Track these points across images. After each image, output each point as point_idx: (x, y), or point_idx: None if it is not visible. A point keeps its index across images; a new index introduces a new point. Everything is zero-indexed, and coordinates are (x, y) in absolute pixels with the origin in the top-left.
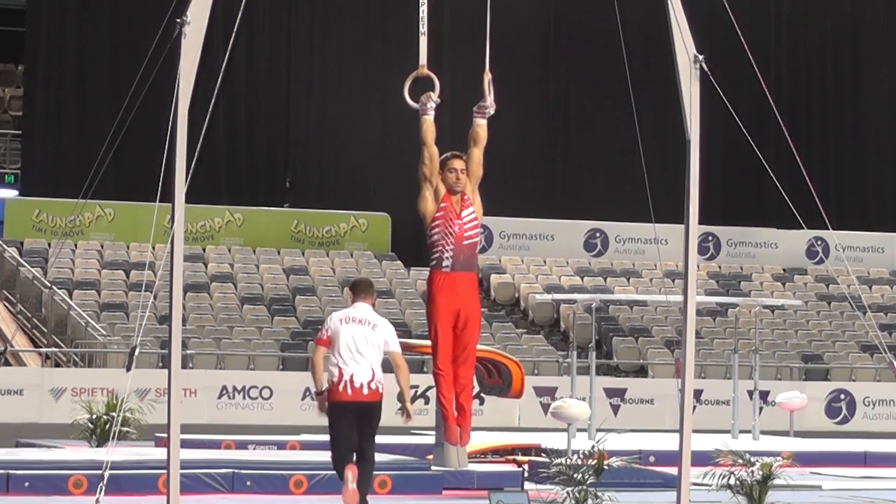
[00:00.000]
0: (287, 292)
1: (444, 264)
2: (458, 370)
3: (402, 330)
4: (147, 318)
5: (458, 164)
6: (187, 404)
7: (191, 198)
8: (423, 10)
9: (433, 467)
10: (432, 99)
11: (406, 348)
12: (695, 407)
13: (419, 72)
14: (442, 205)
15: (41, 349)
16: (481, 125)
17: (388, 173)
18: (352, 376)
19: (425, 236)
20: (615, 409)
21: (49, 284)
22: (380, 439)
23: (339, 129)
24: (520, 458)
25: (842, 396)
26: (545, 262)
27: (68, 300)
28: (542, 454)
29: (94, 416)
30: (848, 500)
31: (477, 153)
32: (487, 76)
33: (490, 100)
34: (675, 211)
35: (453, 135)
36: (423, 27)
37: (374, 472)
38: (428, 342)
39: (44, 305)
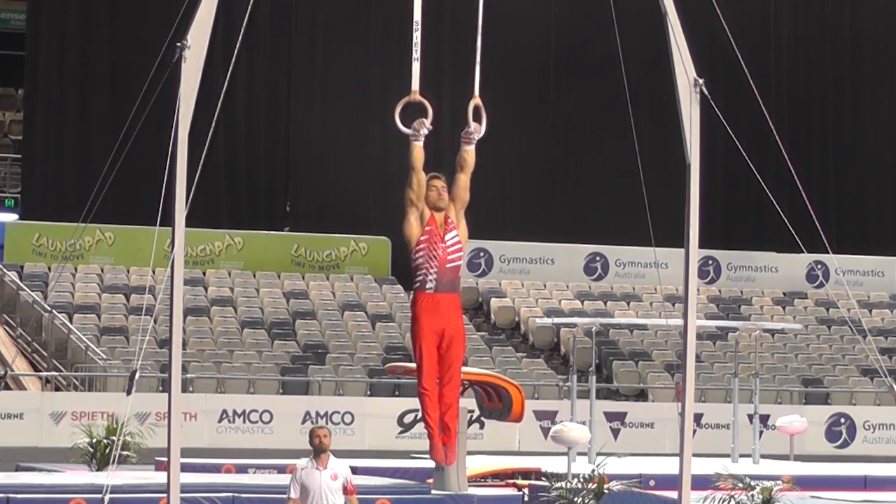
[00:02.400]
0: (287, 316)
1: (427, 286)
2: (444, 390)
3: (403, 354)
4: (147, 342)
5: (438, 182)
6: (187, 428)
7: (191, 222)
8: (417, 36)
9: (433, 491)
10: (425, 126)
11: (406, 372)
12: (695, 431)
13: (411, 97)
14: (427, 228)
15: (41, 373)
16: (468, 151)
17: (389, 197)
18: None
19: (410, 259)
20: (615, 432)
21: (49, 308)
22: (380, 463)
23: (339, 153)
24: (520, 481)
25: (842, 420)
26: (545, 285)
27: (68, 324)
28: (543, 478)
29: (95, 440)
30: None
31: (464, 179)
32: (474, 101)
33: (474, 125)
34: (675, 235)
35: (453, 158)
36: (416, 53)
37: (376, 496)
38: None
39: (44, 329)
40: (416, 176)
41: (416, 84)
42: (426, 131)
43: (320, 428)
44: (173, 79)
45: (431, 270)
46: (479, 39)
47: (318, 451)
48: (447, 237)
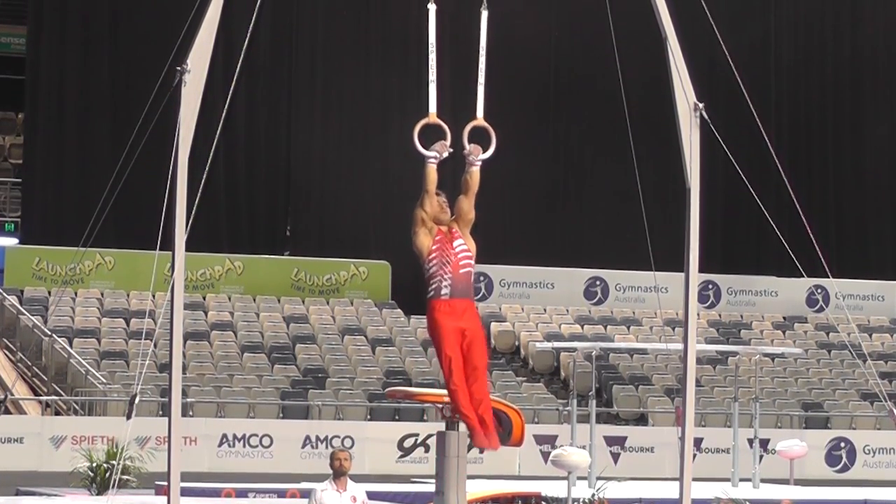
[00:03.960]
0: (287, 340)
1: (442, 292)
2: (472, 389)
3: (403, 378)
4: (147, 367)
5: (439, 198)
6: (187, 452)
7: (191, 246)
8: (432, 59)
9: None
10: (447, 148)
11: (406, 396)
12: (695, 455)
13: (429, 119)
14: (437, 237)
15: (41, 397)
16: (472, 173)
17: (389, 221)
18: None
19: (423, 271)
20: (615, 457)
21: (49, 332)
22: (380, 487)
23: (340, 178)
24: None
25: (842, 445)
26: (545, 310)
27: (68, 348)
28: (543, 502)
29: (95, 465)
30: None
31: (465, 202)
32: (474, 123)
33: (471, 147)
34: (676, 259)
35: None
36: (433, 75)
37: None
38: (428, 390)
39: (44, 353)
40: (430, 198)
41: (433, 106)
42: (447, 154)
43: (341, 451)
44: (173, 103)
45: (446, 277)
46: (481, 61)
47: (337, 473)
48: (455, 244)
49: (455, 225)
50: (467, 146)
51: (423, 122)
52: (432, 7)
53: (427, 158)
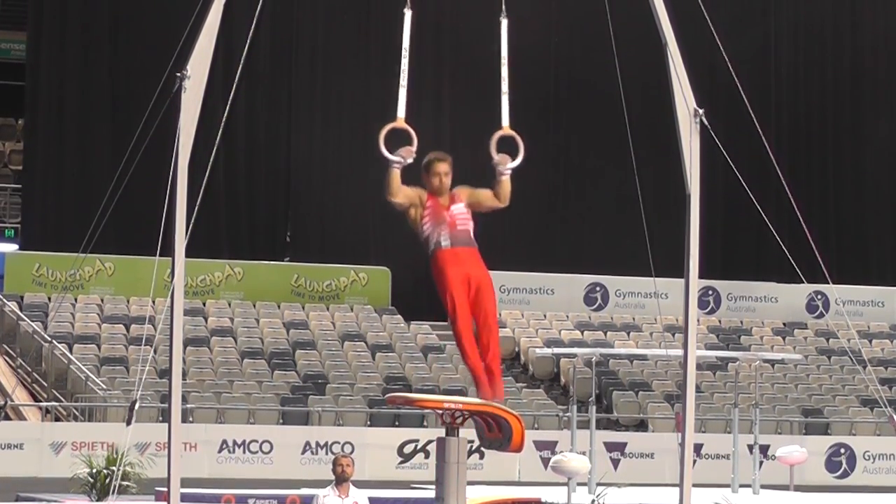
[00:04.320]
0: (287, 346)
1: (443, 244)
2: (482, 334)
3: (403, 384)
4: (147, 373)
5: (442, 167)
6: (187, 458)
7: (191, 252)
8: (404, 63)
9: None
10: (412, 153)
11: (406, 402)
12: (695, 461)
13: (396, 124)
14: (428, 203)
15: (41, 403)
16: (503, 182)
17: (388, 227)
18: None
19: (421, 239)
20: (615, 463)
21: (49, 338)
22: (379, 493)
23: (340, 184)
24: None
25: (842, 451)
26: (545, 316)
27: (68, 354)
28: None
29: (95, 471)
30: None
31: (495, 201)
32: (500, 133)
33: (500, 157)
34: (675, 265)
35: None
36: (403, 80)
37: None
38: (428, 396)
39: (44, 359)
40: (398, 199)
41: (402, 111)
42: (411, 160)
43: (344, 457)
44: (173, 109)
45: (443, 232)
46: (503, 70)
47: (340, 479)
48: (453, 208)
49: (461, 194)
50: (495, 156)
51: (389, 126)
52: (408, 13)
53: (391, 163)
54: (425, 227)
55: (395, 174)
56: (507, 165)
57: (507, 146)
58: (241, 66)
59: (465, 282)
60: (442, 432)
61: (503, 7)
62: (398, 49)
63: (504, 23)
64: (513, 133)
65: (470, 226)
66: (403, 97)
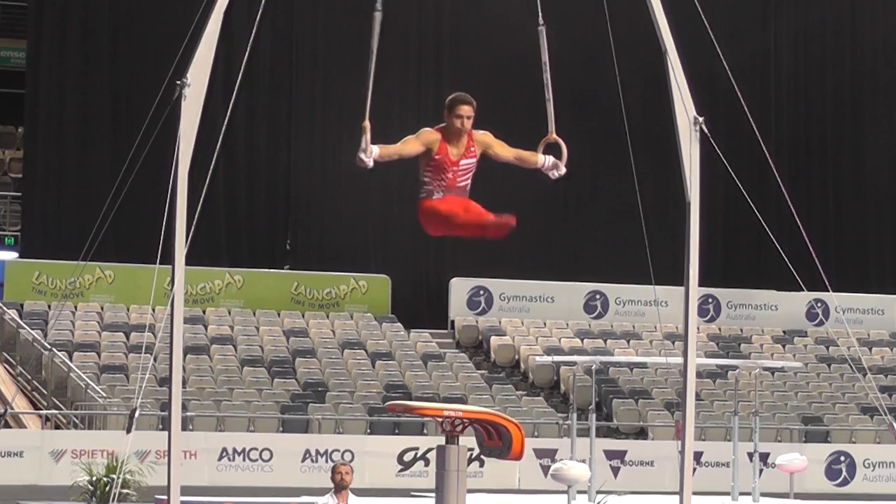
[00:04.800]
0: (287, 354)
1: (434, 196)
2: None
3: (402, 392)
4: (147, 381)
5: (465, 109)
6: (187, 466)
7: (191, 260)
8: (372, 66)
9: None
10: (370, 150)
11: (406, 410)
12: (695, 469)
13: (366, 129)
14: (436, 156)
15: (41, 411)
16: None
17: (388, 235)
18: None
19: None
20: (615, 471)
21: (49, 346)
22: (380, 501)
23: (339, 192)
24: None
25: (842, 458)
26: (545, 324)
27: (68, 362)
28: None
29: (95, 479)
30: None
31: (508, 155)
32: (548, 139)
33: (549, 163)
34: (675, 273)
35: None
36: (370, 82)
37: None
38: (428, 404)
39: (44, 367)
40: (410, 148)
41: (367, 113)
42: (370, 165)
43: (343, 465)
44: (173, 116)
45: (440, 186)
46: (546, 78)
47: (339, 487)
48: (462, 162)
49: (477, 146)
50: (547, 161)
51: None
52: (377, 15)
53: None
54: (425, 177)
55: (386, 152)
56: (558, 172)
57: (552, 151)
58: (240, 74)
59: (457, 211)
60: (442, 440)
61: (539, 15)
62: (399, 57)
63: (542, 31)
64: (558, 139)
65: (468, 183)
66: (368, 102)
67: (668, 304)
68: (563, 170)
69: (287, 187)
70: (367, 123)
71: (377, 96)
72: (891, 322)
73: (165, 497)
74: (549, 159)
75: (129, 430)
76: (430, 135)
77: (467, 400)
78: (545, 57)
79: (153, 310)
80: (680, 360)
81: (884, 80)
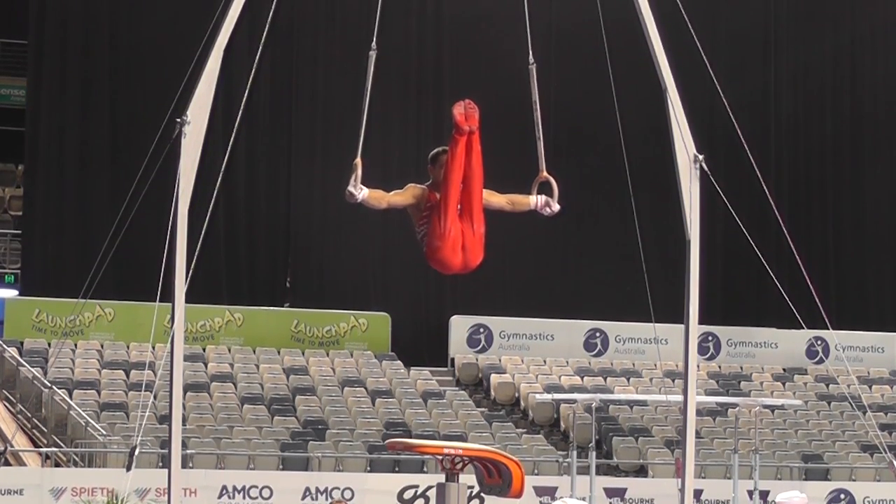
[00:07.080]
0: (287, 392)
1: (434, 244)
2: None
3: (403, 430)
4: (147, 418)
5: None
6: None
7: (191, 297)
8: (365, 105)
9: None
10: (360, 187)
11: (406, 448)
12: None
13: (357, 167)
14: (428, 205)
15: (41, 449)
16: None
17: (388, 273)
18: None
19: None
20: None
21: (49, 384)
22: None
23: (339, 229)
24: None
25: (842, 496)
26: (545, 361)
27: (68, 400)
28: None
29: None
30: None
31: (500, 203)
32: (540, 178)
33: (541, 202)
34: (675, 311)
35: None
36: (363, 120)
37: None
38: (428, 442)
39: (44, 405)
40: (401, 200)
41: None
42: (359, 199)
43: (339, 502)
44: (173, 154)
45: (436, 234)
46: (536, 116)
47: None
48: None
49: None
50: (539, 201)
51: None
52: (372, 55)
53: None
54: (420, 229)
55: (370, 198)
56: (551, 210)
57: (544, 189)
58: (240, 112)
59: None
60: (442, 478)
61: (530, 54)
62: (399, 96)
63: (532, 69)
64: (549, 177)
65: None
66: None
67: (668, 342)
68: (557, 207)
69: (287, 225)
70: (358, 161)
71: (377, 134)
72: (891, 360)
73: None
74: (542, 198)
75: (129, 468)
76: (416, 189)
77: (467, 438)
78: (535, 95)
79: (153, 347)
80: (680, 397)
81: (883, 117)
